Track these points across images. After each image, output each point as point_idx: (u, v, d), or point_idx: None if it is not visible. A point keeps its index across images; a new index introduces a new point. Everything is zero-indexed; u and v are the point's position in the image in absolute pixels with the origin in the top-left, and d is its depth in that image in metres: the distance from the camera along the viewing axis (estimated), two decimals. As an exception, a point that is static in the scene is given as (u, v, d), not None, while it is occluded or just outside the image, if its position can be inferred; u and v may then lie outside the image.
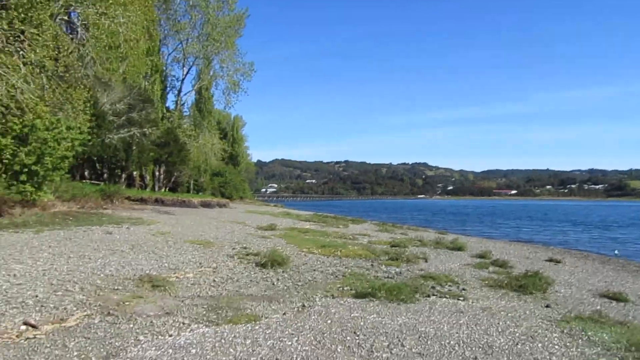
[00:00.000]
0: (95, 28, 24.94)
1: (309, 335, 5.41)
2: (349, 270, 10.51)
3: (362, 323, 6.08)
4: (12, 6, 13.32)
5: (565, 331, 6.30)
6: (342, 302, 7.35)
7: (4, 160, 14.97)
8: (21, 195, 15.33)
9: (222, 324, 5.84)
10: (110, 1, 18.26)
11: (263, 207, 56.59)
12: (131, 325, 5.56)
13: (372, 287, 7.86)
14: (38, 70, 16.07)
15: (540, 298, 8.78)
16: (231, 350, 4.79)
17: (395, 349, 5.08)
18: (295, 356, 4.70)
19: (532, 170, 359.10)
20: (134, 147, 29.24)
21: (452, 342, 5.46)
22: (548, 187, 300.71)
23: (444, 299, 8.17)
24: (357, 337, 5.42)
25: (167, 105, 47.83)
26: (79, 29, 25.69)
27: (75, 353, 4.60)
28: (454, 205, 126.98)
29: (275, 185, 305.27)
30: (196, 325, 5.71)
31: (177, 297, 7.12)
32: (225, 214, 27.33)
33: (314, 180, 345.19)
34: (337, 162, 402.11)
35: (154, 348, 4.80)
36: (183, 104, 52.09)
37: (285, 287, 8.48)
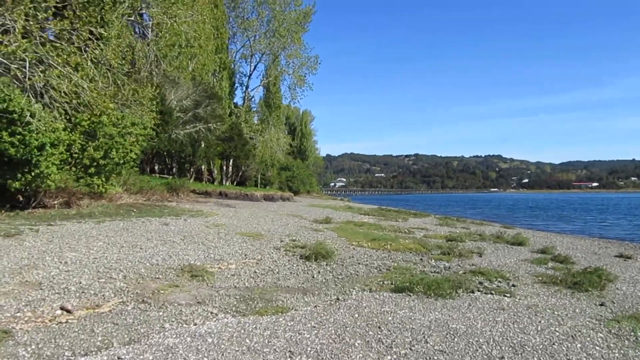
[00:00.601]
0: (160, 28, 25.96)
1: (330, 329, 5.31)
2: (395, 264, 10.28)
3: (390, 318, 5.89)
4: (79, 7, 14.04)
5: (612, 331, 5.81)
6: (377, 296, 7.18)
7: (74, 155, 15.93)
8: (89, 188, 16.24)
9: (249, 314, 5.87)
10: (172, 1, 18.66)
11: (328, 200, 56.90)
12: (161, 313, 5.70)
13: (410, 282, 7.63)
14: (105, 69, 16.96)
15: (596, 296, 8.16)
16: (247, 340, 4.78)
17: (417, 346, 4.87)
18: (309, 349, 4.61)
19: (616, 161, 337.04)
20: (200, 142, 30.24)
21: (481, 340, 5.16)
22: (633, 178, 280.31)
23: (489, 296, 7.79)
24: (380, 332, 5.25)
25: (235, 101, 49.08)
26: (149, 30, 26.81)
27: (99, 338, 4.77)
28: (529, 199, 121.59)
29: (344, 179, 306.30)
30: (223, 315, 5.77)
31: (213, 287, 7.24)
32: (286, 207, 27.67)
33: (382, 174, 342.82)
34: (406, 155, 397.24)
35: (174, 336, 4.89)
36: (251, 99, 53.23)
37: (324, 280, 8.42)
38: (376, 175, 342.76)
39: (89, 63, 15.77)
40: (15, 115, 12.49)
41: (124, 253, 9.07)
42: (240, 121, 44.33)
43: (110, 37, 16.18)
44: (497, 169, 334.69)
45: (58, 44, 10.98)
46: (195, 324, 5.34)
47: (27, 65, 10.57)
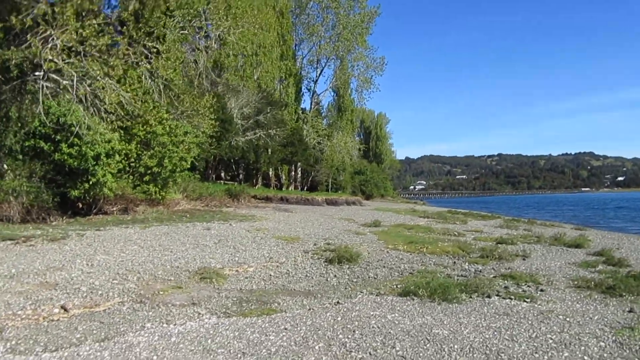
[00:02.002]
0: (223, 39, 26.91)
1: (301, 332, 5.27)
2: (423, 268, 9.98)
3: (373, 322, 5.74)
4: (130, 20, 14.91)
5: (619, 339, 5.29)
6: (378, 300, 7.02)
7: (131, 164, 16.97)
8: (145, 195, 17.22)
9: (235, 315, 5.96)
10: (232, 14, 19.34)
11: (399, 204, 56.07)
12: (150, 313, 5.95)
13: (416, 285, 7.39)
14: (159, 82, 17.89)
15: (630, 301, 7.46)
16: (209, 341, 4.86)
17: (379, 351, 4.72)
18: (264, 351, 4.61)
19: None
20: (263, 149, 31.04)
21: (455, 347, 4.90)
22: None
23: (506, 301, 7.36)
24: (350, 336, 5.14)
25: (302, 106, 49.89)
26: (212, 41, 27.88)
27: (78, 335, 5.07)
28: (623, 198, 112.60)
29: (424, 182, 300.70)
30: (209, 316, 5.91)
31: (218, 289, 7.43)
32: (345, 211, 27.66)
33: (464, 176, 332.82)
34: (489, 156, 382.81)
35: (146, 334, 5.09)
36: (318, 104, 53.85)
37: (337, 283, 8.36)
38: (457, 177, 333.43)
39: (143, 76, 16.77)
40: (73, 128, 13.51)
41: (152, 256, 9.53)
42: (306, 126, 44.96)
43: (162, 50, 17.04)
44: (588, 167, 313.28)
45: (100, 58, 11.79)
46: (175, 324, 5.51)
47: (75, 78, 11.43)
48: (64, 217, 14.36)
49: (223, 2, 25.88)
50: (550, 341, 5.24)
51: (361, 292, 7.60)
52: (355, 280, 8.68)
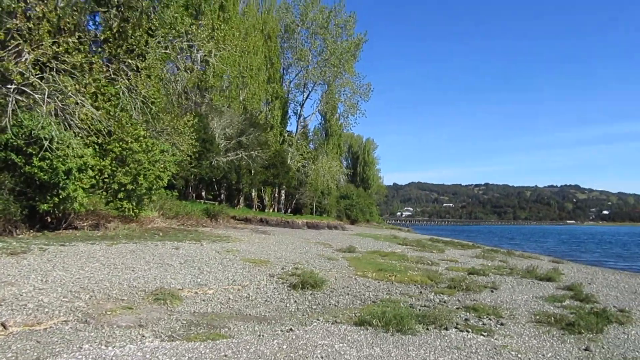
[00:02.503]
0: (208, 60, 26.98)
1: (241, 359, 5.17)
2: (388, 297, 9.92)
3: (319, 351, 5.65)
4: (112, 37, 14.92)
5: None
6: (332, 328, 6.92)
7: (105, 180, 16.80)
8: (118, 211, 17.01)
9: (179, 339, 5.83)
10: (204, 36, 19.46)
11: (382, 230, 56.01)
12: (91, 334, 5.80)
13: (372, 315, 7.31)
14: (137, 99, 17.86)
15: (588, 339, 7.44)
16: (141, 366, 4.75)
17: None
18: (196, 378, 4.52)
19: None
20: (244, 169, 30.97)
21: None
22: None
23: (463, 333, 7.32)
24: (289, 366, 5.05)
25: (288, 128, 50.07)
26: (197, 61, 27.97)
27: (9, 355, 4.91)
28: (607, 232, 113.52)
29: (411, 209, 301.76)
30: (152, 339, 5.77)
31: (171, 311, 7.28)
32: (324, 235, 27.53)
33: (451, 204, 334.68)
34: (476, 185, 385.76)
35: (82, 356, 4.95)
36: (305, 127, 54.09)
37: (295, 310, 8.25)
38: (444, 205, 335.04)
39: (122, 92, 16.74)
40: (45, 141, 13.38)
41: (112, 274, 9.35)
42: (291, 149, 45.04)
43: (141, 68, 17.06)
44: (574, 200, 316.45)
45: (72, 74, 11.76)
46: (114, 346, 5.37)
47: (46, 93, 11.38)
48: (32, 231, 14.12)
49: (207, 25, 26.11)
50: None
51: (317, 320, 7.50)
52: (315, 307, 8.58)
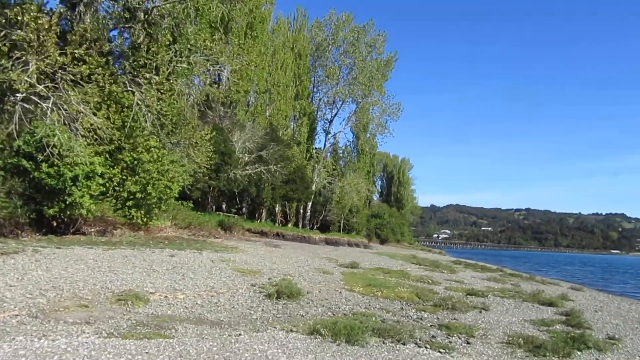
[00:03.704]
0: (234, 75, 27.59)
1: (161, 356, 5.26)
2: (364, 311, 9.86)
3: (247, 355, 5.69)
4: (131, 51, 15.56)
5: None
6: (280, 335, 6.94)
7: (116, 187, 17.36)
8: (126, 219, 17.51)
9: (115, 337, 5.96)
10: (212, 52, 19.96)
11: (408, 250, 55.29)
12: (33, 327, 6.00)
13: (323, 325, 7.29)
14: (152, 111, 18.45)
15: (552, 364, 7.20)
16: (54, 358, 4.90)
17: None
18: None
19: None
20: (265, 184, 31.34)
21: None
22: None
23: (421, 349, 7.22)
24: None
25: (316, 145, 50.41)
26: (223, 76, 28.66)
27: (-59, 341, 5.17)
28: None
29: (448, 232, 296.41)
30: (88, 335, 5.93)
31: (129, 311, 7.45)
32: (339, 252, 27.40)
33: (490, 228, 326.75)
34: (517, 210, 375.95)
35: (8, 347, 5.14)
36: (337, 144, 54.34)
37: (258, 317, 8.30)
38: (482, 228, 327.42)
39: (135, 104, 17.35)
40: (48, 148, 13.97)
41: (91, 276, 9.63)
42: (318, 165, 45.27)
43: (155, 82, 17.67)
44: (619, 229, 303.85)
45: (77, 85, 12.33)
46: (46, 339, 5.54)
47: (51, 102, 11.96)
48: (38, 235, 14.69)
49: (233, 41, 26.79)
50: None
51: (274, 328, 7.52)
52: (279, 316, 8.60)
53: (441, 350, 7.32)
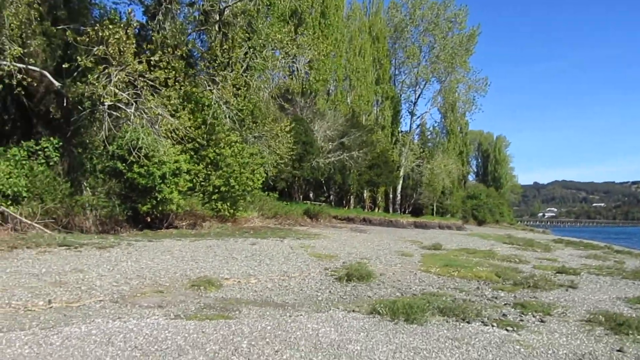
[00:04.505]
0: (311, 66, 28.05)
1: (213, 335, 5.62)
2: (436, 290, 9.73)
3: (299, 333, 5.91)
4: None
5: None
6: (339, 315, 7.09)
7: (202, 183, 18.44)
8: (214, 212, 18.54)
9: (181, 319, 6.42)
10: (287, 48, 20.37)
11: (506, 230, 52.90)
12: (111, 311, 6.65)
13: (382, 304, 7.33)
14: (232, 108, 19.31)
15: (632, 340, 6.67)
16: (120, 336, 5.40)
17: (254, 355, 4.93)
18: (155, 346, 5.06)
19: None
20: (349, 170, 31.55)
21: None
22: None
23: (484, 327, 7.02)
24: (252, 343, 5.38)
25: (400, 128, 49.77)
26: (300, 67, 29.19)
27: (34, 322, 5.88)
28: None
29: (555, 210, 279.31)
30: (157, 317, 6.45)
31: (200, 296, 7.98)
32: (427, 234, 26.94)
33: (602, 204, 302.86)
34: (633, 182, 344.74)
35: (85, 327, 5.76)
36: (424, 126, 53.33)
37: (324, 299, 8.48)
38: (594, 205, 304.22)
39: (214, 102, 18.27)
40: (141, 150, 15.15)
41: (173, 265, 10.39)
42: (404, 149, 44.71)
43: (231, 79, 18.45)
44: None
45: (156, 89, 13.27)
46: (120, 320, 6.13)
47: (133, 107, 13.01)
48: (135, 230, 16.03)
49: (307, 32, 27.13)
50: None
51: (337, 309, 7.68)
52: (346, 297, 8.74)
53: (508, 328, 7.05)
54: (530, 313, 8.16)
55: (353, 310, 7.54)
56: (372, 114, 42.85)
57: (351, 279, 10.11)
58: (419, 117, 49.89)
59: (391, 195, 46.45)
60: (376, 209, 42.71)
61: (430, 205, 52.85)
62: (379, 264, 12.71)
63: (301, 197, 32.20)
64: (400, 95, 48.70)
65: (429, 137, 57.17)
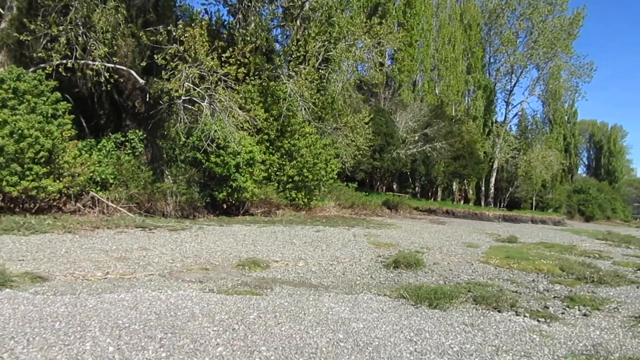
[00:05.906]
0: (396, 56, 27.95)
1: (234, 309, 6.08)
2: (485, 281, 9.52)
3: (312, 310, 6.21)
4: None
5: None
6: (364, 297, 7.29)
7: (278, 172, 19.23)
8: (288, 200, 19.27)
9: (213, 293, 6.99)
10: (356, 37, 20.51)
11: (619, 227, 48.75)
12: (156, 283, 7.38)
13: (407, 289, 7.40)
14: (308, 101, 19.89)
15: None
16: (156, 306, 6.02)
17: (221, 338, 5.30)
18: (180, 313, 5.61)
19: None
20: (433, 162, 30.99)
21: (340, 335, 5.15)
22: None
23: (516, 317, 6.88)
24: (269, 316, 5.77)
25: (495, 118, 47.73)
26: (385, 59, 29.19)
27: (80, 290, 6.73)
28: None
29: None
30: (192, 290, 7.06)
31: (243, 275, 8.53)
32: (512, 228, 25.68)
33: None
34: None
35: (129, 295, 6.50)
36: (518, 115, 50.87)
37: (360, 284, 8.67)
38: None
39: (288, 94, 18.95)
40: (216, 141, 16.18)
41: (232, 247, 11.12)
42: (498, 140, 42.91)
43: (305, 73, 19.00)
44: None
45: (226, 84, 14.13)
46: (159, 291, 6.81)
47: (206, 101, 13.99)
48: (212, 216, 17.16)
49: (390, 22, 27.03)
50: (454, 352, 5.06)
51: (368, 292, 7.87)
52: (384, 282, 8.86)
53: (540, 319, 6.83)
54: (576, 307, 7.79)
55: (383, 295, 7.68)
56: (463, 104, 41.51)
57: (398, 266, 10.17)
58: (515, 106, 47.48)
59: (483, 188, 44.78)
60: (469, 202, 41.44)
61: (529, 199, 50.17)
62: (437, 254, 12.58)
63: (384, 188, 32.15)
64: (495, 85, 46.63)
65: (528, 127, 54.15)
